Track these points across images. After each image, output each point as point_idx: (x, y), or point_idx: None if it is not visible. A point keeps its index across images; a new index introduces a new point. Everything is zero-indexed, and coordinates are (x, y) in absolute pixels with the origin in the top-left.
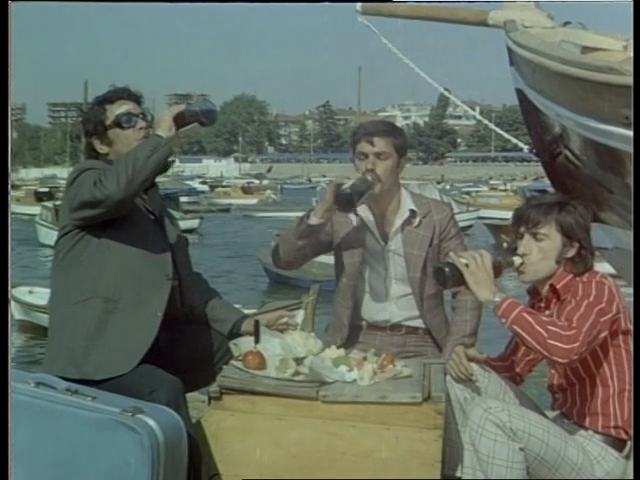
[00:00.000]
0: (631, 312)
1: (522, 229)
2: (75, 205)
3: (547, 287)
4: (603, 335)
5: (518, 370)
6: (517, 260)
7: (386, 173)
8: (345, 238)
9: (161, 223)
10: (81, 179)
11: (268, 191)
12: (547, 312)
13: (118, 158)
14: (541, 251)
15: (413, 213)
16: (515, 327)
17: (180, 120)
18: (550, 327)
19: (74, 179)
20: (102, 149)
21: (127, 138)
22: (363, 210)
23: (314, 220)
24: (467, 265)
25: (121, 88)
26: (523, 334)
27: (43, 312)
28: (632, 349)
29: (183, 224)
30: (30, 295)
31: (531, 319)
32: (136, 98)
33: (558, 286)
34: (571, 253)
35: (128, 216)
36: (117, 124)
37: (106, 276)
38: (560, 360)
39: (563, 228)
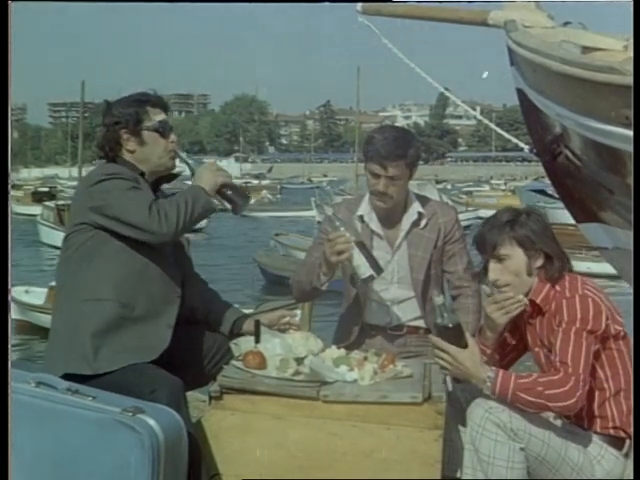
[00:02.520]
0: (619, 310)
1: (485, 256)
2: (110, 214)
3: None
4: (595, 348)
5: (503, 362)
6: (488, 290)
7: (398, 192)
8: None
9: None
10: (112, 187)
11: (264, 191)
12: (531, 321)
13: (141, 159)
14: (510, 272)
15: (420, 215)
16: (517, 405)
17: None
18: (548, 392)
19: (100, 181)
20: (129, 145)
21: (159, 146)
22: (371, 219)
23: (324, 280)
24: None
25: (159, 96)
26: (527, 409)
27: (39, 312)
28: (624, 349)
29: None
30: (26, 295)
31: (526, 395)
32: (167, 112)
33: (538, 300)
34: (539, 262)
35: None
36: (157, 130)
37: (123, 281)
38: (570, 413)
39: (521, 242)
